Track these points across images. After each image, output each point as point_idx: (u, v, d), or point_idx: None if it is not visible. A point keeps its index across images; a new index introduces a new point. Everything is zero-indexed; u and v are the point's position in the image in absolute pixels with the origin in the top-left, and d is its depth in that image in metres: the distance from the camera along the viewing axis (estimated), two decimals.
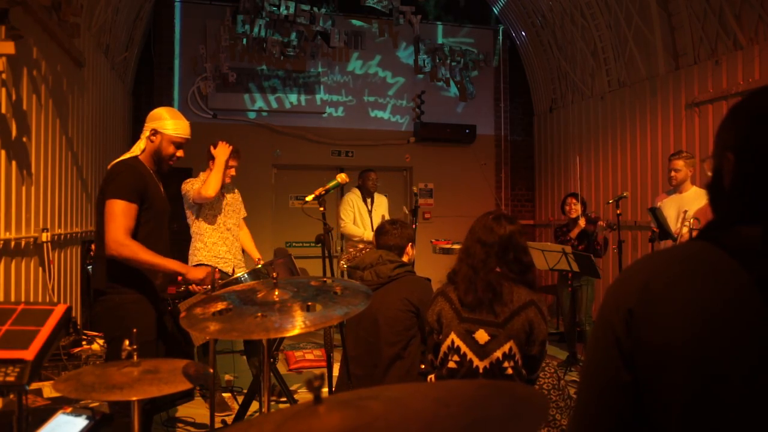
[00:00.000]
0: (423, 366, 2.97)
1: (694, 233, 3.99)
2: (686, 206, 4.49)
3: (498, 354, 2.34)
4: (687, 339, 0.88)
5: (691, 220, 4.24)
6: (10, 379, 1.56)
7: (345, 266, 5.26)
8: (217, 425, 3.78)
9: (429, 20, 8.18)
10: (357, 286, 2.06)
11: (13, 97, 3.28)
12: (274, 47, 7.25)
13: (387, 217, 5.84)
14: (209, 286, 2.51)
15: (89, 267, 4.60)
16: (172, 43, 7.36)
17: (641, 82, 6.56)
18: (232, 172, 4.37)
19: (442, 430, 0.72)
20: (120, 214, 2.55)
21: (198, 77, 7.35)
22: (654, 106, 6.39)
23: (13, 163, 3.29)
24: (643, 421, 0.95)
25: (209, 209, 4.30)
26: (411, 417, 0.75)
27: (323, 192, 2.87)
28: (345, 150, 7.95)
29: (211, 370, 2.27)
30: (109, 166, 2.74)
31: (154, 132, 2.74)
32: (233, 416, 4.05)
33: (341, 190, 7.10)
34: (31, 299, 3.53)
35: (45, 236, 3.66)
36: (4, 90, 3.14)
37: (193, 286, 2.80)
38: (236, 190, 4.60)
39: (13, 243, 3.28)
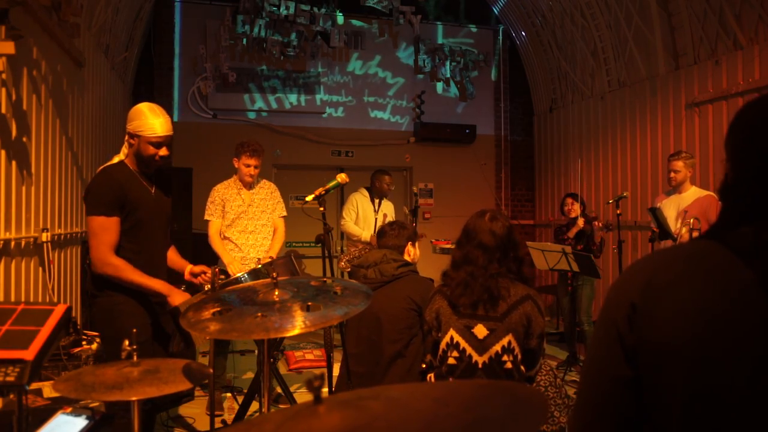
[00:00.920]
0: (424, 365, 2.98)
1: (694, 233, 3.99)
2: (686, 206, 4.49)
3: (497, 348, 2.36)
4: (689, 337, 0.88)
5: (691, 221, 4.24)
6: (10, 379, 1.56)
7: (344, 266, 5.24)
8: (217, 425, 3.78)
9: (429, 20, 8.18)
10: (357, 286, 2.06)
11: (13, 97, 3.28)
12: (274, 47, 7.25)
13: (390, 219, 5.79)
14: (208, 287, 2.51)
15: (88, 266, 4.60)
16: (172, 43, 7.36)
17: (641, 82, 6.57)
18: (252, 171, 4.28)
19: (442, 430, 0.72)
20: (99, 230, 2.53)
21: (198, 77, 7.35)
22: (654, 106, 6.39)
23: (13, 163, 3.29)
24: (645, 417, 0.95)
25: (229, 212, 4.27)
26: (411, 417, 0.75)
27: (323, 192, 2.87)
28: (345, 150, 7.95)
29: (211, 370, 2.27)
30: (98, 170, 2.71)
31: (132, 135, 2.62)
32: (224, 416, 4.06)
33: (341, 190, 7.10)
34: (31, 299, 3.53)
35: (45, 236, 3.66)
36: (4, 90, 3.14)
37: (199, 278, 2.80)
38: (269, 188, 4.48)
39: (13, 243, 3.28)
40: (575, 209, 5.63)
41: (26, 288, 3.48)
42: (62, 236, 4.19)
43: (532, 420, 0.78)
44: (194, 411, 4.12)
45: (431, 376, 2.61)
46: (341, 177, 3.04)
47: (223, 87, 7.38)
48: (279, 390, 3.99)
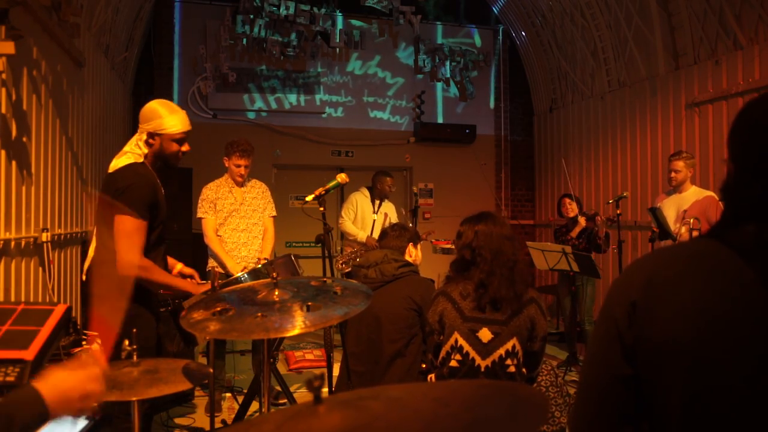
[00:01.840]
0: (424, 365, 2.98)
1: (694, 233, 3.98)
2: (686, 206, 4.49)
3: (501, 351, 2.37)
4: (689, 336, 0.88)
5: (691, 221, 4.24)
6: (10, 379, 1.56)
7: (341, 267, 5.23)
8: (217, 425, 3.78)
9: (429, 20, 8.18)
10: (357, 286, 2.06)
11: (13, 97, 3.28)
12: (274, 47, 7.25)
13: (390, 221, 5.77)
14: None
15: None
16: (172, 43, 7.36)
17: (641, 82, 6.57)
18: (242, 171, 4.27)
19: (442, 430, 0.72)
20: (134, 232, 2.41)
21: (198, 77, 7.35)
22: (654, 106, 6.39)
23: (13, 163, 3.29)
24: (644, 415, 0.95)
25: (221, 210, 4.26)
26: (411, 417, 0.75)
27: (323, 192, 2.87)
28: (345, 150, 7.95)
29: (211, 370, 2.27)
30: (111, 169, 2.56)
31: (152, 135, 2.53)
32: (222, 417, 4.06)
33: (341, 190, 7.10)
34: (31, 299, 3.53)
35: (45, 236, 3.66)
36: (4, 90, 3.14)
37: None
38: (260, 188, 4.46)
39: (13, 243, 3.28)
40: (573, 208, 5.62)
41: (26, 288, 3.48)
42: (62, 236, 4.19)
43: (533, 420, 0.78)
44: (195, 411, 4.12)
45: (432, 376, 2.61)
46: (341, 177, 3.04)
47: (223, 87, 7.38)
48: (278, 388, 3.99)
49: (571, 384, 4.55)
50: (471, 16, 8.50)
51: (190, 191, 6.39)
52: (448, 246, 5.80)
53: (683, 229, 4.31)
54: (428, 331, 2.58)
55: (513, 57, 8.69)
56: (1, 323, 1.69)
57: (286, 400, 3.86)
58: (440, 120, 8.30)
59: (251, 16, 7.16)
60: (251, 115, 7.61)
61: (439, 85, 8.24)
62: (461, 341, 2.41)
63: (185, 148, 2.60)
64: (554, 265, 5.16)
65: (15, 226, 3.32)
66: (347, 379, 2.93)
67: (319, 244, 2.82)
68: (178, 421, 3.99)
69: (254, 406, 3.71)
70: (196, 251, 5.85)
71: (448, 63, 8.08)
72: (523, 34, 8.40)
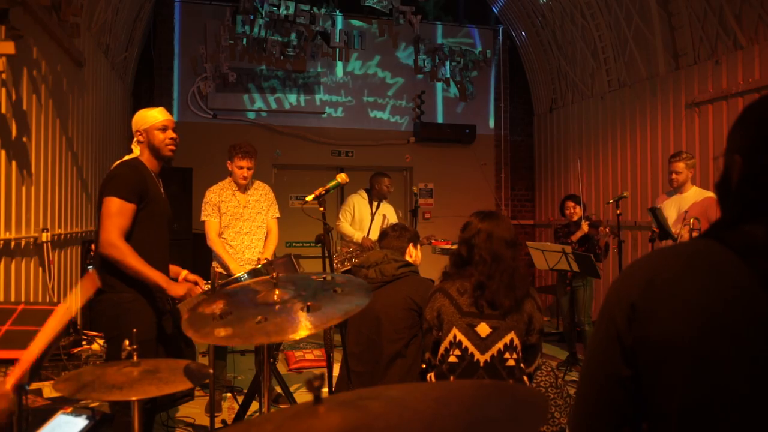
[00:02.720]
0: (424, 366, 2.98)
1: (694, 233, 3.98)
2: (687, 207, 4.49)
3: (499, 345, 2.38)
4: (688, 336, 0.88)
5: (692, 221, 4.24)
6: None
7: (337, 267, 5.23)
8: (217, 425, 3.78)
9: (429, 20, 8.18)
10: (357, 282, 2.05)
11: (13, 97, 3.28)
12: (273, 47, 7.26)
13: (388, 222, 5.76)
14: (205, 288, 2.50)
15: (89, 267, 4.60)
16: (172, 43, 7.36)
17: (641, 82, 6.57)
18: (245, 172, 4.23)
19: (442, 430, 0.72)
20: (116, 212, 2.56)
21: (198, 77, 7.35)
22: (654, 106, 6.39)
23: (13, 163, 3.29)
24: (643, 415, 0.95)
25: (225, 213, 4.25)
26: (411, 417, 0.75)
27: (323, 192, 2.87)
28: (345, 150, 7.95)
29: (211, 370, 2.27)
30: (112, 167, 2.75)
31: (140, 132, 2.78)
32: (222, 417, 4.06)
33: (341, 190, 7.10)
34: (31, 299, 3.54)
35: (45, 236, 3.67)
36: (4, 90, 3.14)
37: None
38: (263, 189, 4.42)
39: (13, 243, 3.28)
40: (577, 212, 5.60)
41: (26, 288, 3.48)
42: (62, 236, 4.19)
43: (532, 420, 0.78)
44: (194, 411, 4.12)
45: (431, 375, 2.61)
46: (341, 177, 3.04)
47: (222, 87, 7.38)
48: (279, 390, 4.00)
49: (571, 384, 4.55)
50: (471, 16, 8.50)
51: (191, 191, 6.39)
52: (448, 246, 5.80)
53: (684, 230, 4.31)
54: (426, 329, 2.59)
55: (513, 57, 8.69)
56: (1, 323, 1.69)
57: (287, 405, 3.85)
58: (440, 120, 8.30)
59: (251, 16, 7.16)
60: (251, 115, 7.61)
61: (439, 85, 8.24)
62: (460, 336, 2.42)
63: (171, 134, 2.81)
64: (554, 265, 5.16)
65: (15, 226, 3.32)
66: (347, 380, 2.93)
67: (319, 244, 2.82)
68: (178, 420, 3.99)
69: (254, 406, 3.71)
70: (197, 251, 5.85)
71: (448, 63, 8.08)
72: (523, 34, 8.40)
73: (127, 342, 1.80)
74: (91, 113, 5.02)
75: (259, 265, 3.27)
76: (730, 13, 5.31)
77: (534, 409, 0.80)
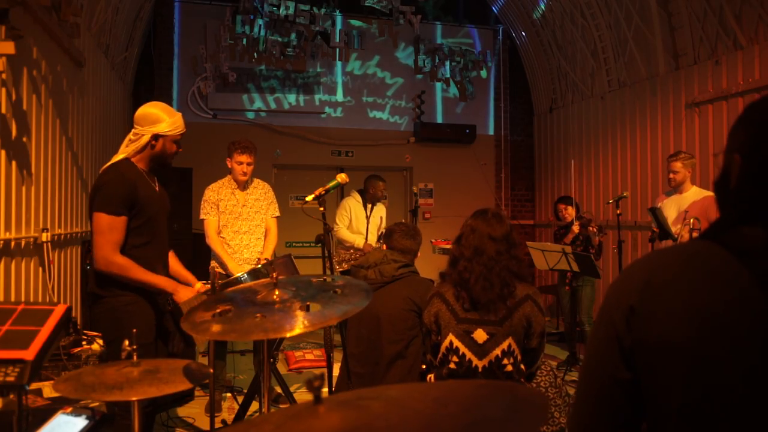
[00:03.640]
0: (424, 366, 2.98)
1: (694, 234, 3.99)
2: (686, 206, 4.49)
3: (497, 352, 2.35)
4: (687, 337, 0.88)
5: (692, 221, 4.24)
6: (10, 379, 1.56)
7: (336, 268, 5.22)
8: (217, 425, 3.78)
9: (428, 20, 8.18)
10: (357, 284, 2.06)
11: (13, 97, 3.28)
12: (273, 47, 7.25)
13: (384, 223, 5.73)
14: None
15: (89, 267, 4.60)
16: (172, 43, 7.36)
17: (641, 82, 6.57)
18: (245, 168, 4.21)
19: (442, 430, 0.72)
20: (106, 229, 2.50)
21: (198, 77, 7.35)
22: (654, 106, 6.39)
23: (13, 163, 3.29)
24: (643, 416, 0.95)
25: (223, 212, 4.24)
26: (411, 417, 0.75)
27: (323, 192, 2.87)
28: (345, 150, 7.95)
29: (212, 370, 2.27)
30: (101, 170, 2.67)
31: (156, 137, 2.66)
32: (222, 417, 4.06)
33: (341, 190, 7.10)
34: (31, 299, 3.54)
35: (45, 236, 3.66)
36: (4, 90, 3.14)
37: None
38: (262, 188, 4.39)
39: (13, 243, 3.28)
40: (570, 213, 5.61)
41: (26, 288, 3.48)
42: (62, 236, 4.19)
43: (532, 420, 0.78)
44: (194, 411, 4.12)
45: (431, 376, 2.61)
46: (341, 177, 3.04)
47: (222, 87, 7.39)
48: (279, 390, 3.99)
49: (570, 384, 4.55)
50: (471, 16, 8.50)
51: (190, 191, 6.39)
52: (448, 246, 5.80)
53: (684, 230, 4.31)
54: (425, 332, 2.58)
55: (513, 57, 8.69)
56: (1, 323, 1.69)
57: (287, 405, 3.86)
58: (440, 120, 8.30)
59: (251, 16, 7.16)
60: (251, 115, 7.61)
61: (439, 85, 8.24)
62: (456, 343, 2.40)
63: (180, 148, 2.76)
64: (554, 265, 5.16)
65: (15, 226, 3.32)
66: (347, 380, 2.93)
67: (319, 244, 2.82)
68: (178, 420, 3.99)
69: (254, 406, 3.71)
70: (197, 251, 5.85)
71: (447, 63, 8.08)
72: (523, 34, 8.40)
73: (126, 342, 1.80)
74: (91, 113, 5.02)
75: (259, 265, 3.27)
76: (730, 13, 5.31)
77: (534, 409, 0.80)
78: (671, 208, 4.60)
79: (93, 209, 2.54)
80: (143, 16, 6.60)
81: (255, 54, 7.38)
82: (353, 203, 5.72)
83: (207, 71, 7.29)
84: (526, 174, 8.80)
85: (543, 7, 7.64)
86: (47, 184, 3.89)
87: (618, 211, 5.10)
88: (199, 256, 5.61)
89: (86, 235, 4.77)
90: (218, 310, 1.86)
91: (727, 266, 0.89)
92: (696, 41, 5.79)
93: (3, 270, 3.17)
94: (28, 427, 1.73)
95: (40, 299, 3.68)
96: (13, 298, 3.23)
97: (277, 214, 4.43)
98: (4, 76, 3.08)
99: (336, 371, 3.14)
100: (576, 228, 5.38)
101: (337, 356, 3.32)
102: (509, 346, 2.36)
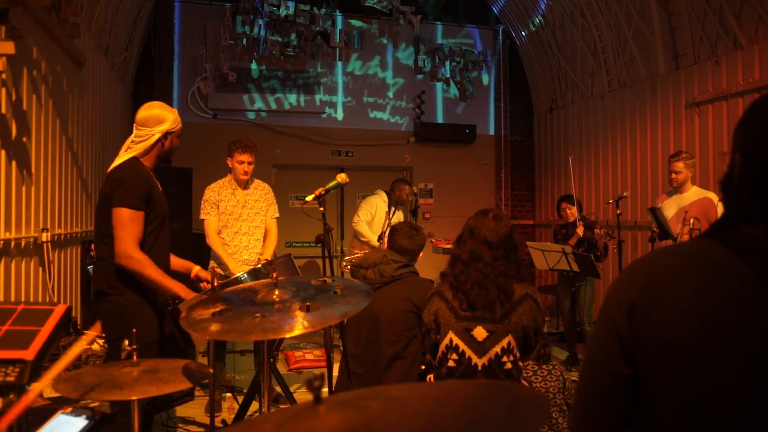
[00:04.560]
0: (423, 366, 2.97)
1: (695, 233, 3.99)
2: (686, 206, 4.49)
3: (497, 349, 2.36)
4: (688, 336, 0.88)
5: (692, 221, 4.24)
6: (10, 379, 1.56)
7: (346, 267, 5.22)
8: (217, 425, 3.78)
9: (429, 20, 8.18)
10: (357, 285, 2.06)
11: (13, 97, 3.28)
12: (274, 47, 7.25)
13: None
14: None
15: (89, 267, 4.60)
16: (172, 43, 7.36)
17: (641, 82, 6.57)
18: (246, 167, 4.20)
19: (442, 430, 0.72)
20: (128, 222, 2.52)
21: (198, 77, 7.35)
22: (654, 106, 6.39)
23: (13, 163, 3.29)
24: (643, 414, 0.95)
25: (223, 212, 4.23)
26: (411, 417, 0.75)
27: (323, 192, 2.87)
28: (345, 150, 7.95)
29: (211, 370, 2.27)
30: (109, 170, 2.69)
31: (165, 134, 2.72)
32: (222, 417, 4.06)
33: (341, 190, 7.10)
34: (31, 299, 3.54)
35: (45, 236, 3.66)
36: (4, 90, 3.14)
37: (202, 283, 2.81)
38: (263, 189, 4.38)
39: (13, 243, 3.28)
40: (573, 212, 5.61)
41: (26, 288, 3.48)
42: (62, 236, 4.19)
43: (533, 420, 0.78)
44: (194, 411, 4.12)
45: (431, 377, 2.60)
46: (341, 177, 3.04)
47: (222, 87, 7.38)
48: (279, 390, 3.99)
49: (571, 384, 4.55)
50: (471, 16, 8.50)
51: (191, 191, 6.39)
52: (448, 246, 5.80)
53: (684, 230, 4.31)
54: (425, 331, 2.58)
55: (513, 57, 8.69)
56: (1, 323, 1.69)
57: (287, 405, 3.85)
58: (440, 120, 8.30)
59: (251, 16, 7.16)
60: (251, 115, 7.61)
61: (439, 85, 8.23)
62: (456, 340, 2.40)
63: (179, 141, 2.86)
64: (554, 265, 5.16)
65: (15, 226, 3.32)
66: (347, 380, 2.93)
67: (319, 245, 2.82)
68: (178, 420, 3.99)
69: (254, 406, 3.71)
70: (197, 251, 5.85)
71: (447, 63, 8.08)
72: (523, 34, 8.40)
73: (126, 342, 1.80)
74: (91, 113, 5.02)
75: (259, 265, 3.27)
76: (730, 13, 5.31)
77: (534, 409, 0.80)
78: (672, 209, 4.60)
79: (113, 205, 2.54)
80: (143, 16, 6.60)
81: (255, 54, 7.38)
82: (380, 202, 5.73)
83: (207, 71, 7.29)
84: (526, 174, 8.80)
85: (540, 19, 7.65)
86: (47, 184, 3.89)
87: (618, 211, 5.10)
88: (199, 256, 5.61)
89: (86, 235, 4.77)
90: (218, 309, 1.86)
91: (728, 265, 0.89)
92: (696, 41, 5.79)
93: (3, 270, 3.17)
94: (28, 427, 1.73)
95: (40, 299, 3.68)
96: (13, 298, 3.23)
97: (277, 215, 4.42)
98: (4, 76, 3.08)
99: (336, 371, 3.14)
100: (580, 231, 5.37)
101: (337, 356, 3.32)
102: (509, 343, 2.37)
